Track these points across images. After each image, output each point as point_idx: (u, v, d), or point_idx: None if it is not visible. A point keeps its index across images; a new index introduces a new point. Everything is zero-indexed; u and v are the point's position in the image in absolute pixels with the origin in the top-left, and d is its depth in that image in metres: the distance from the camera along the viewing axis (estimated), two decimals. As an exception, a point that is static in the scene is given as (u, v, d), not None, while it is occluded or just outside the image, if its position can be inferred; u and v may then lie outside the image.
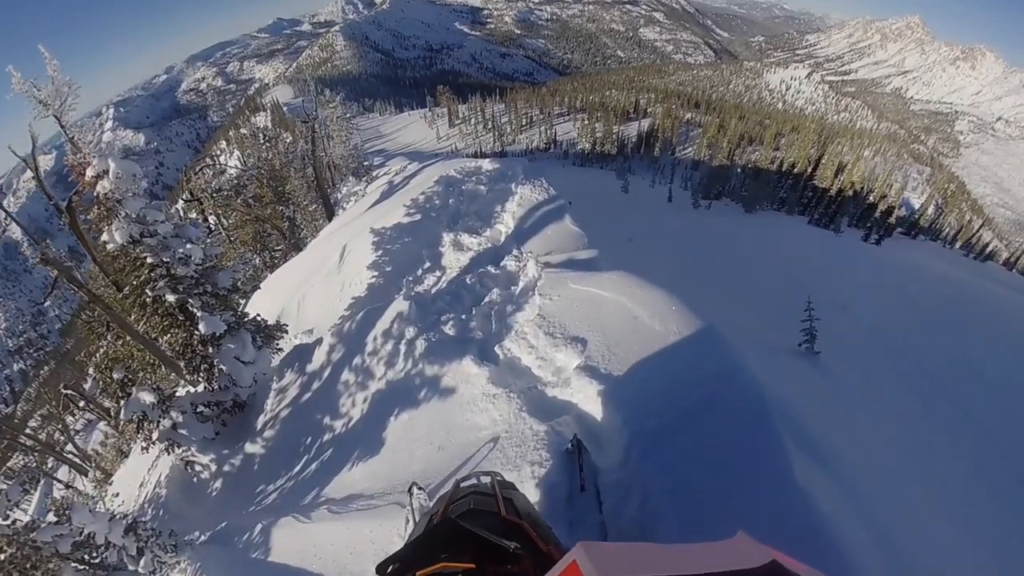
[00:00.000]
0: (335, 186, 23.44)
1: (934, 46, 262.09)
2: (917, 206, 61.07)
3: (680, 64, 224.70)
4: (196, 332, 7.19)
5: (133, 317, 7.49)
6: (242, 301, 8.98)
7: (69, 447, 21.96)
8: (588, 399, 3.81)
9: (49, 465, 22.98)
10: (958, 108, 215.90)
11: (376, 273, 8.38)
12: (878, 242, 34.89)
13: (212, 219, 20.10)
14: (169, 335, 7.49)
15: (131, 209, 6.41)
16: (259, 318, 8.15)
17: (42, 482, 21.48)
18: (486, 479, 1.93)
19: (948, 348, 12.79)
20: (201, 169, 19.52)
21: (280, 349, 8.58)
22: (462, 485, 1.94)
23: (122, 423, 7.77)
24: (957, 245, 49.78)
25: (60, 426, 25.80)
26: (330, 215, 19.06)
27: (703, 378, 3.57)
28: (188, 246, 6.63)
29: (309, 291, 9.42)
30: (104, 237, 6.53)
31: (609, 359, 4.03)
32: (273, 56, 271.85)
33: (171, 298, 6.68)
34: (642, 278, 4.87)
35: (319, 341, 7.21)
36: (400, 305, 5.98)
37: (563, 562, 0.61)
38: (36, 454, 21.01)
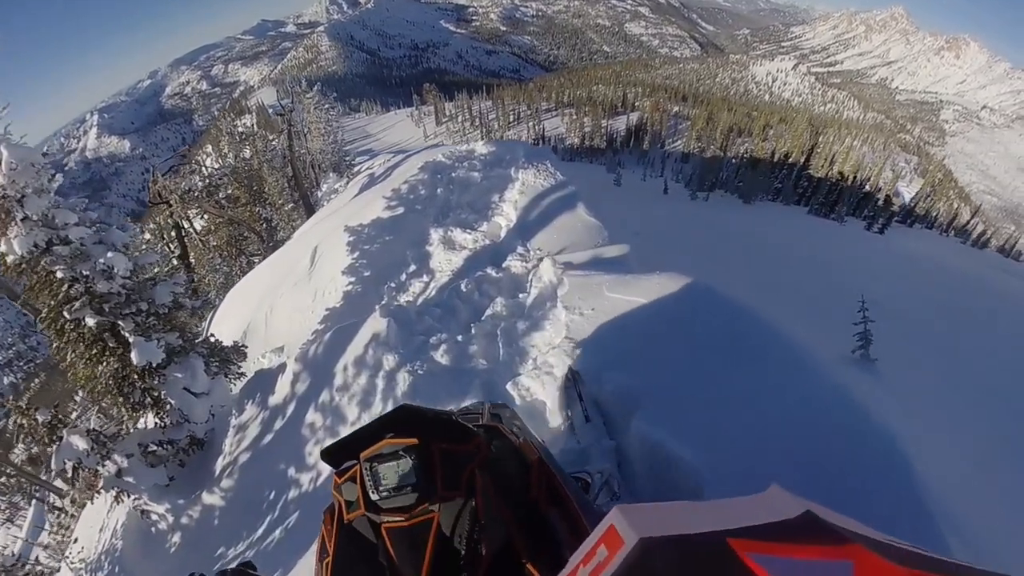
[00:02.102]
0: (317, 184, 22.03)
1: (918, 36, 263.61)
2: (906, 194, 60.71)
3: (666, 58, 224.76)
4: (130, 361, 5.83)
5: (55, 345, 6.12)
6: (194, 319, 7.62)
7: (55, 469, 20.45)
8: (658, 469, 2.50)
9: (35, 491, 21.60)
10: (943, 97, 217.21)
11: (353, 279, 7.03)
12: (881, 231, 34.08)
13: (185, 223, 18.59)
14: (102, 364, 6.14)
15: (33, 210, 5.04)
16: (213, 339, 6.80)
17: (33, 503, 20.16)
18: (483, 407, 1.71)
19: (989, 346, 11.70)
20: (172, 169, 18.00)
21: (242, 374, 7.22)
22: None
23: (54, 473, 6.39)
24: (952, 233, 49.39)
25: (35, 451, 24.22)
26: (311, 215, 17.70)
27: (828, 444, 2.32)
28: (110, 255, 5.24)
29: (277, 301, 8.05)
30: (1, 247, 5.15)
31: (681, 404, 2.74)
32: (258, 58, 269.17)
33: (91, 322, 5.30)
34: (702, 281, 3.60)
35: (282, 367, 5.86)
36: (375, 324, 4.61)
37: (601, 527, 0.57)
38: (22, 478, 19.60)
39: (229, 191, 19.79)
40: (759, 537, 0.51)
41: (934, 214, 55.70)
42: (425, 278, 6.13)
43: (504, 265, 5.49)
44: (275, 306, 8.08)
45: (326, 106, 19.95)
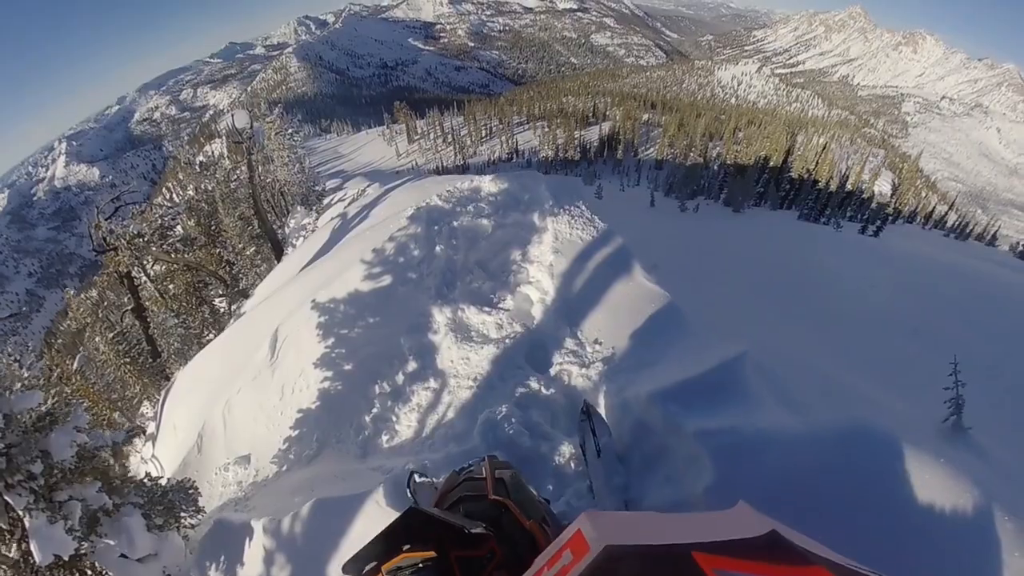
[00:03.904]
0: (287, 213, 20.05)
1: (876, 34, 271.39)
2: (876, 188, 61.14)
3: (633, 67, 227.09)
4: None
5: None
6: (114, 457, 5.67)
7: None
8: None
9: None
10: (903, 91, 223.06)
11: (329, 374, 5.26)
12: (876, 234, 33.29)
13: (137, 271, 16.42)
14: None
15: None
16: (151, 482, 4.92)
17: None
18: (483, 464, 1.76)
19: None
20: (119, 208, 15.95)
21: (199, 510, 5.35)
22: (458, 471, 1.85)
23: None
24: (931, 226, 49.44)
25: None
26: (279, 255, 15.80)
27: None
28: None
29: (235, 398, 6.21)
30: None
31: None
32: (227, 81, 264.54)
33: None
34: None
35: (248, 530, 4.05)
36: (382, 512, 2.83)
37: (568, 531, 0.60)
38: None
39: (186, 231, 17.77)
40: (724, 552, 0.51)
41: (914, 208, 55.99)
42: (433, 384, 4.39)
43: (553, 373, 3.81)
44: (233, 404, 6.24)
45: (289, 131, 17.93)
